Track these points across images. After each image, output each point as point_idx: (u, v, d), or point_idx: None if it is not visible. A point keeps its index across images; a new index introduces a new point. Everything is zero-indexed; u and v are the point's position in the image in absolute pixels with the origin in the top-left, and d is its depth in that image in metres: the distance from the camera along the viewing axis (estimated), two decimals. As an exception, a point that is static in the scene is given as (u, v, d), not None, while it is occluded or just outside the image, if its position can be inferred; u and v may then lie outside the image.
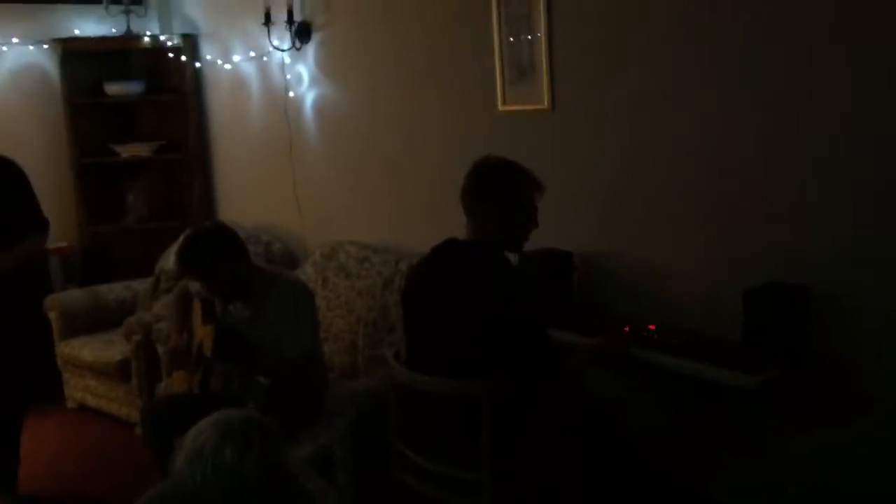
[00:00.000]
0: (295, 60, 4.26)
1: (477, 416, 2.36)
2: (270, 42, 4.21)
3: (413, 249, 3.71)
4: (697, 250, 2.89)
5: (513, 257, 2.62)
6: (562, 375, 2.55)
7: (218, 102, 4.89)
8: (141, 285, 4.63)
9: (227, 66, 4.68)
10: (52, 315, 4.44)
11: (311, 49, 4.18)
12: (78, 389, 4.48)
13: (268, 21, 4.14)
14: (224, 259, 3.01)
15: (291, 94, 4.30)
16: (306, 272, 4.00)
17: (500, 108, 3.39)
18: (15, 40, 4.76)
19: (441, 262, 2.60)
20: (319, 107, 4.23)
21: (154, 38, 4.86)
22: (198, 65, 4.87)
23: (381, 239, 3.95)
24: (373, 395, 2.89)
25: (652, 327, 2.77)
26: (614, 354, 2.66)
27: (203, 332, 3.17)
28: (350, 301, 3.76)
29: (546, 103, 3.22)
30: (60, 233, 4.91)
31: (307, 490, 1.97)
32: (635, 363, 2.62)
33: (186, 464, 1.66)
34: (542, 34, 3.16)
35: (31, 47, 4.83)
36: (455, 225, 2.64)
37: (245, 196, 4.85)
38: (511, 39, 3.31)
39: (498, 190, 2.53)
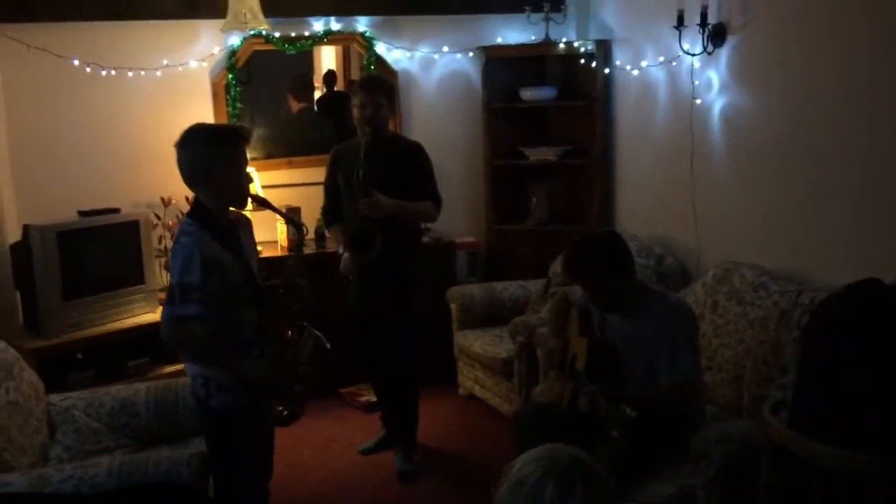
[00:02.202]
0: (705, 65, 3.99)
1: (868, 497, 1.94)
2: (681, 46, 3.98)
3: (818, 283, 3.26)
4: None
5: None
6: None
7: (624, 109, 4.80)
8: (534, 286, 4.73)
9: (635, 72, 4.55)
10: (453, 306, 4.74)
11: (724, 53, 3.87)
12: (469, 379, 4.73)
13: (680, 24, 3.93)
14: (611, 268, 2.94)
15: (698, 101, 4.04)
16: (695, 293, 3.72)
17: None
18: (445, 49, 5.17)
19: (858, 308, 2.17)
20: (728, 116, 3.90)
21: (569, 44, 4.92)
22: (607, 71, 4.82)
23: (784, 265, 3.51)
24: (746, 443, 2.56)
25: None
26: None
27: (577, 344, 3.12)
28: (740, 330, 3.41)
29: None
30: (469, 229, 5.26)
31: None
32: None
33: (507, 493, 1.58)
34: None
35: (459, 55, 5.20)
36: (877, 262, 2.21)
37: (643, 206, 4.70)
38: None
39: None
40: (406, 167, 3.82)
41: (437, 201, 3.88)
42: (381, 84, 3.88)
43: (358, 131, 3.81)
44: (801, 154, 3.50)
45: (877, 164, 3.12)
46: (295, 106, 5.25)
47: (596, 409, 2.87)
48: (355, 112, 3.78)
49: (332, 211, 3.98)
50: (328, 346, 2.84)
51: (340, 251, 3.91)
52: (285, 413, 2.69)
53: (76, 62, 4.46)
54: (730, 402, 3.34)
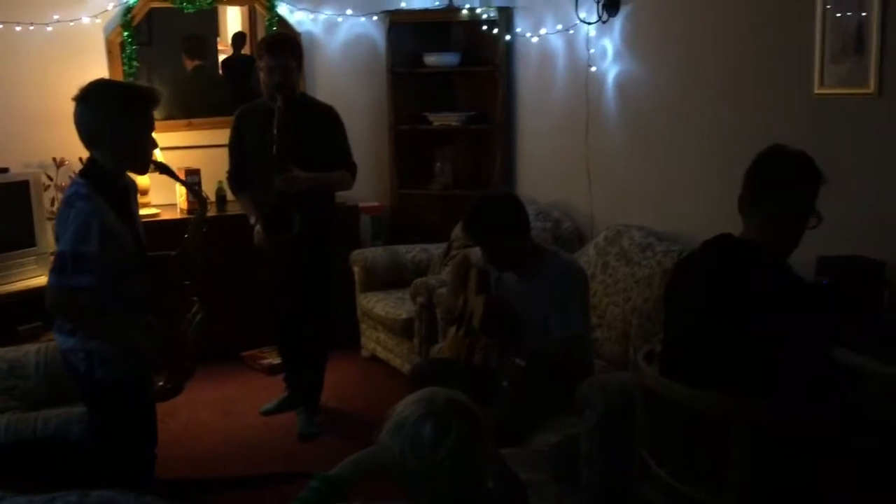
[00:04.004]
0: (600, 34, 4.11)
1: (728, 436, 2.10)
2: (577, 14, 4.09)
3: (700, 243, 3.42)
4: None
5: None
6: (845, 407, 2.17)
7: (525, 76, 4.90)
8: (437, 249, 4.81)
9: (535, 40, 4.64)
10: (356, 269, 4.78)
11: (617, 22, 3.99)
12: (371, 340, 4.79)
13: (577, -8, 4.03)
14: (508, 229, 3.03)
15: (593, 68, 4.16)
16: (588, 254, 3.87)
17: (817, 90, 2.97)
18: (349, 12, 5.15)
19: (712, 261, 2.33)
20: (621, 83, 4.04)
21: (472, 10, 4.97)
22: (509, 38, 4.90)
23: (670, 227, 3.69)
24: (625, 392, 2.70)
25: None
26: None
27: (475, 302, 3.21)
28: (628, 289, 3.57)
29: (872, 87, 2.76)
30: (373, 193, 5.29)
31: (518, 483, 1.88)
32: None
33: (388, 435, 1.65)
34: (875, 10, 2.73)
35: (363, 18, 5.19)
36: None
37: (542, 171, 4.82)
38: (837, 15, 2.87)
39: (799, 188, 2.22)
40: (320, 133, 3.74)
41: (352, 169, 3.83)
42: (289, 45, 3.72)
43: (265, 94, 3.70)
44: (685, 122, 3.67)
45: (753, 132, 3.28)
46: (189, 64, 5.15)
47: (488, 361, 2.99)
48: (263, 76, 3.64)
49: (239, 176, 3.87)
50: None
51: (252, 222, 3.79)
52: (167, 387, 2.63)
53: (-41, 14, 4.27)
54: (617, 357, 3.50)
